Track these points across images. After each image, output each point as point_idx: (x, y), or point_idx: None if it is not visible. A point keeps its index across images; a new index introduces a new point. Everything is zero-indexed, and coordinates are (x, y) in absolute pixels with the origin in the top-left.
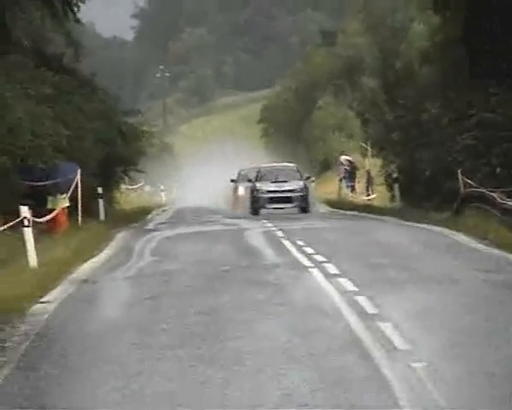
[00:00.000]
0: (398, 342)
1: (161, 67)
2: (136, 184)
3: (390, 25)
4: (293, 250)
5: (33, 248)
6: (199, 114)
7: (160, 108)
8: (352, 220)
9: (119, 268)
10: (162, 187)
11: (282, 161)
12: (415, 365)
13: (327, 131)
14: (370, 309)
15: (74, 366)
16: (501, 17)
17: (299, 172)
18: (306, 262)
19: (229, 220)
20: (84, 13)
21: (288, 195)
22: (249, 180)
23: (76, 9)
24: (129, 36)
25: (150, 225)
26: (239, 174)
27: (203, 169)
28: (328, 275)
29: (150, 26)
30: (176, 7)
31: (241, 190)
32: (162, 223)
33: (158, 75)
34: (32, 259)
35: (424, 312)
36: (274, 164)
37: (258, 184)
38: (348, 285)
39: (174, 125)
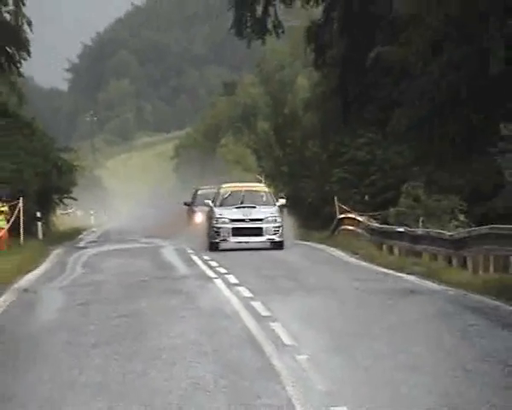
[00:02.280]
0: (285, 338)
1: (91, 112)
2: (69, 209)
3: (279, 78)
4: (200, 264)
5: None
6: (122, 151)
7: (89, 147)
8: None
9: (54, 279)
10: (91, 212)
11: (247, 182)
12: (299, 357)
13: (229, 165)
14: (263, 312)
15: (15, 360)
16: (372, 73)
17: (271, 195)
18: (211, 274)
19: (146, 239)
20: (26, 68)
21: (258, 225)
22: (207, 205)
23: (19, 65)
24: (64, 87)
25: (81, 244)
26: (195, 196)
27: (126, 197)
28: (229, 284)
29: (82, 78)
30: (103, 62)
31: (200, 217)
32: (91, 241)
33: (88, 119)
34: None
35: (307, 314)
36: (239, 184)
37: (217, 211)
38: (245, 293)
39: (101, 160)
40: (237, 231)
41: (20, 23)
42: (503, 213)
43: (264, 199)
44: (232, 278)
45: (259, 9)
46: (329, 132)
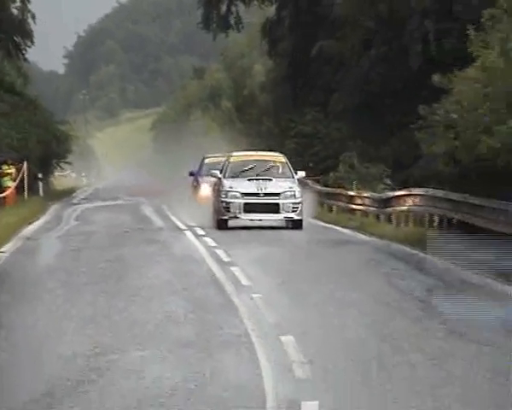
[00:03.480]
0: (243, 280)
1: (83, 91)
2: (65, 171)
3: (239, 65)
4: (174, 218)
5: None
6: (109, 124)
7: (82, 121)
8: None
9: (52, 230)
10: (83, 174)
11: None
12: (254, 295)
13: (198, 138)
14: (225, 258)
15: (21, 295)
16: (316, 63)
17: (289, 166)
18: (182, 226)
19: (129, 197)
20: (29, 54)
21: (274, 200)
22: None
23: (24, 52)
24: (61, 70)
25: (75, 200)
26: (201, 165)
27: (112, 162)
28: (197, 235)
29: (76, 63)
30: (94, 49)
31: (206, 189)
32: (83, 198)
33: (81, 97)
34: None
35: (262, 260)
36: (251, 153)
37: (227, 183)
38: (210, 242)
39: (92, 132)
40: (250, 207)
41: (25, 17)
42: (420, 179)
43: (281, 171)
44: (199, 230)
45: (223, 8)
46: (281, 111)
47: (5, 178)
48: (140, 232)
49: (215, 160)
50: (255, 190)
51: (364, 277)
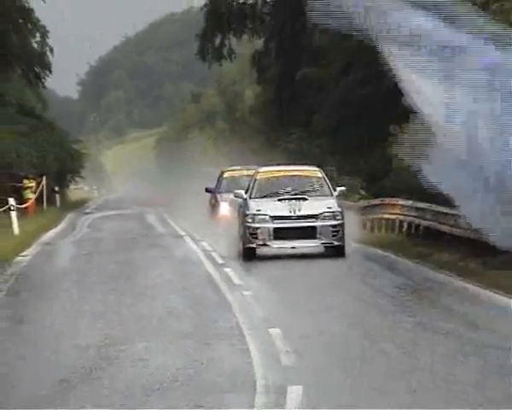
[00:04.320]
0: (235, 279)
1: (94, 114)
2: (79, 185)
3: (232, 90)
4: (174, 225)
5: (16, 224)
6: (117, 143)
7: (93, 140)
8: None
9: (67, 236)
10: (95, 187)
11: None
12: (245, 293)
13: (196, 155)
14: (220, 260)
15: (40, 293)
16: (299, 87)
17: (326, 182)
18: (182, 232)
19: (135, 206)
20: (48, 81)
21: (310, 224)
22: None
23: (43, 80)
24: (75, 95)
25: (87, 210)
26: (219, 180)
27: (120, 177)
28: (195, 240)
29: (88, 89)
30: (104, 77)
31: (225, 208)
32: (94, 208)
33: (92, 119)
34: (16, 230)
35: (252, 262)
36: (282, 168)
37: (253, 204)
38: (207, 246)
39: (102, 150)
40: (281, 233)
41: (44, 50)
42: (391, 190)
43: (318, 187)
44: (197, 236)
45: (217, 41)
46: (269, 130)
47: (26, 191)
48: (144, 238)
49: (235, 174)
50: (287, 213)
51: (341, 277)
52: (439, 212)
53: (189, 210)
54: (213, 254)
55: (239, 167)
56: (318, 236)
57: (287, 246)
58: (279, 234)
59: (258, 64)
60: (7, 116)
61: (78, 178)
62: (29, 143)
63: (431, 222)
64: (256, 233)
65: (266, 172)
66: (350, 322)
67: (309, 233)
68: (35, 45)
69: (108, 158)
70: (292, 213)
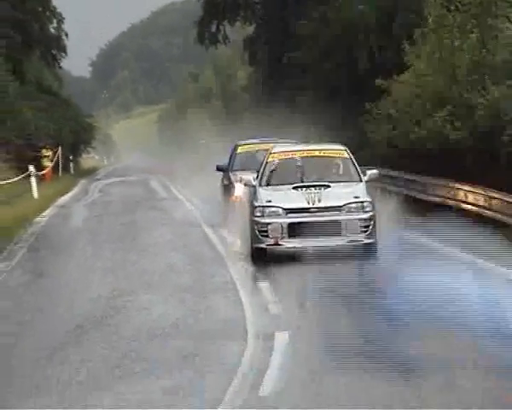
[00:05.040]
0: (228, 239)
1: (104, 92)
2: (90, 154)
3: (227, 72)
4: (175, 191)
5: (36, 189)
6: (124, 117)
7: (103, 115)
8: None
9: (80, 199)
10: (104, 157)
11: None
12: (235, 249)
13: (194, 129)
14: (216, 222)
15: (57, 250)
16: (286, 69)
17: (354, 164)
18: (181, 197)
19: (140, 174)
20: (63, 62)
21: (333, 217)
22: (247, 184)
23: (59, 61)
24: (87, 75)
25: (98, 177)
26: (232, 157)
27: (126, 148)
28: (193, 204)
29: (99, 70)
30: (112, 59)
31: (240, 189)
32: (104, 175)
33: (102, 96)
34: (35, 194)
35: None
36: (300, 147)
37: (263, 194)
38: (204, 209)
39: (111, 124)
40: (297, 229)
41: (60, 34)
42: (367, 160)
43: (343, 171)
44: (194, 201)
45: (213, 27)
46: (259, 106)
47: (44, 160)
48: (147, 201)
49: (250, 148)
50: (304, 204)
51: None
52: (408, 179)
53: (187, 177)
54: (208, 216)
55: (256, 141)
56: (343, 232)
57: (305, 245)
58: (294, 231)
59: (249, 48)
60: (27, 93)
61: (89, 149)
62: (47, 117)
63: (401, 188)
64: (266, 230)
65: (280, 152)
66: (330, 276)
67: (332, 229)
68: (52, 30)
69: (116, 131)
70: (310, 205)
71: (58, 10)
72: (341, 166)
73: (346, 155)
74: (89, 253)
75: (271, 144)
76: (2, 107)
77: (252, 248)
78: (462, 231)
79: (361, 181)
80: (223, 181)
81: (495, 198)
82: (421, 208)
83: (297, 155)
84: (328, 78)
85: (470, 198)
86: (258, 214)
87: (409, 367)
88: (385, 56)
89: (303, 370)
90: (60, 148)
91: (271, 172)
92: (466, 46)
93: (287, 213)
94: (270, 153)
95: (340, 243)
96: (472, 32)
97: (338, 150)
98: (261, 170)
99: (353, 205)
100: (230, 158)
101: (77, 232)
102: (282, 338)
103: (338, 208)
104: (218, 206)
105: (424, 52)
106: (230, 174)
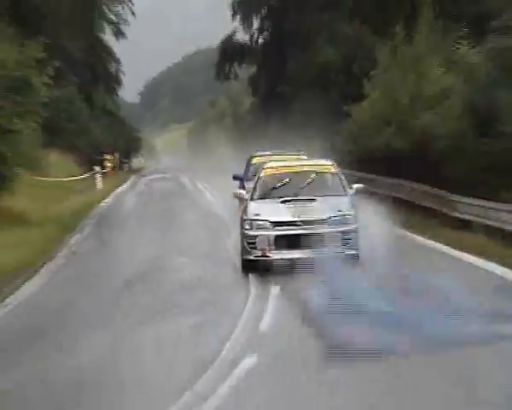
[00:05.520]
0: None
1: (148, 114)
2: (138, 158)
3: (236, 98)
4: (199, 185)
5: (100, 183)
6: (163, 132)
7: (148, 131)
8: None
9: (132, 190)
10: (148, 161)
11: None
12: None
13: (213, 142)
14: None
15: (115, 226)
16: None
17: (340, 178)
18: (203, 189)
19: (173, 172)
20: (120, 92)
21: (317, 230)
22: (239, 197)
23: (117, 91)
24: (137, 101)
25: (143, 174)
26: (247, 166)
27: (165, 155)
28: (213, 195)
29: (145, 98)
30: (156, 91)
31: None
32: (148, 173)
33: (147, 118)
34: (99, 186)
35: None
36: (291, 163)
37: (252, 208)
38: (221, 200)
39: (154, 137)
40: (283, 242)
41: (118, 72)
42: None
43: (330, 185)
44: (213, 192)
45: (227, 68)
46: (259, 125)
47: (106, 162)
48: (179, 192)
49: (264, 160)
50: (290, 218)
51: None
52: (368, 179)
53: (207, 176)
54: (225, 203)
55: (268, 153)
56: (326, 244)
57: (291, 257)
58: (281, 243)
59: (252, 83)
60: (95, 116)
61: (138, 155)
62: (108, 133)
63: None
64: (254, 242)
65: (272, 167)
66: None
67: (315, 241)
68: (112, 70)
69: (157, 142)
70: (296, 218)
71: (117, 56)
72: (329, 180)
73: (333, 170)
74: (137, 228)
75: (284, 156)
76: (78, 126)
77: (242, 260)
78: (382, 207)
79: (346, 195)
80: (238, 191)
81: (414, 189)
82: (373, 196)
83: (287, 171)
84: (309, 104)
85: (401, 189)
86: (247, 227)
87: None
88: (349, 89)
89: (292, 312)
90: (117, 154)
91: (263, 186)
92: (405, 84)
93: (274, 226)
94: (263, 168)
95: (323, 254)
96: (409, 74)
97: (326, 166)
98: (253, 184)
99: (336, 218)
100: (246, 168)
101: (129, 214)
102: (274, 290)
103: (322, 221)
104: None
105: (377, 86)
106: (245, 183)
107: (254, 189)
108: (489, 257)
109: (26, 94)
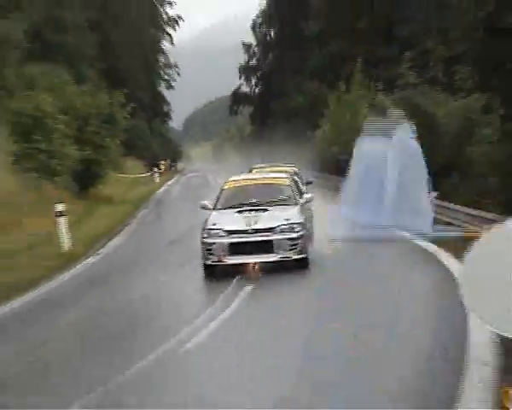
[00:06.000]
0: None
1: (188, 136)
2: (181, 163)
3: (241, 127)
4: (219, 181)
5: (157, 179)
6: (196, 147)
7: (187, 146)
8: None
9: (176, 183)
10: (187, 165)
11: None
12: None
13: (228, 153)
14: None
15: (165, 205)
16: (269, 128)
17: (292, 190)
18: (221, 183)
19: (202, 173)
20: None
21: (266, 237)
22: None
23: (166, 121)
24: (181, 128)
25: (183, 173)
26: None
27: (198, 162)
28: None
29: (185, 125)
30: (192, 122)
31: None
32: (186, 172)
33: (187, 138)
34: (156, 181)
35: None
36: (251, 176)
37: (212, 218)
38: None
39: (191, 150)
40: (236, 248)
41: (167, 107)
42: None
43: (285, 195)
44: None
45: (236, 108)
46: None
47: (161, 165)
48: (204, 184)
49: (261, 170)
50: (243, 227)
51: None
52: (326, 177)
53: (225, 175)
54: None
55: (264, 164)
56: (275, 250)
57: (243, 262)
58: (234, 249)
59: (251, 117)
60: (154, 136)
61: (180, 161)
62: (162, 149)
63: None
64: (211, 249)
65: (234, 181)
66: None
67: (265, 248)
68: (165, 107)
69: (192, 153)
70: (248, 227)
71: (167, 98)
72: (282, 192)
73: (287, 183)
74: (180, 206)
75: (278, 168)
76: (145, 143)
77: (203, 264)
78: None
79: (296, 204)
80: None
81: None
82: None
83: (248, 183)
84: (286, 131)
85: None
86: (205, 236)
87: None
88: (311, 122)
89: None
90: (168, 160)
91: (224, 197)
92: (345, 119)
93: (228, 234)
94: (226, 181)
95: (272, 259)
96: (348, 113)
97: (281, 179)
98: (216, 195)
99: (284, 226)
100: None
101: (174, 198)
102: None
103: (271, 230)
104: None
105: (328, 120)
106: None
107: (218, 200)
108: None
109: (113, 124)
